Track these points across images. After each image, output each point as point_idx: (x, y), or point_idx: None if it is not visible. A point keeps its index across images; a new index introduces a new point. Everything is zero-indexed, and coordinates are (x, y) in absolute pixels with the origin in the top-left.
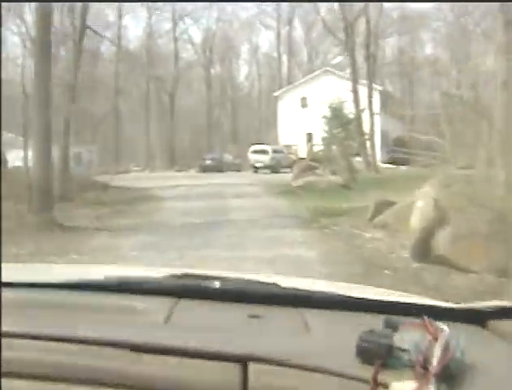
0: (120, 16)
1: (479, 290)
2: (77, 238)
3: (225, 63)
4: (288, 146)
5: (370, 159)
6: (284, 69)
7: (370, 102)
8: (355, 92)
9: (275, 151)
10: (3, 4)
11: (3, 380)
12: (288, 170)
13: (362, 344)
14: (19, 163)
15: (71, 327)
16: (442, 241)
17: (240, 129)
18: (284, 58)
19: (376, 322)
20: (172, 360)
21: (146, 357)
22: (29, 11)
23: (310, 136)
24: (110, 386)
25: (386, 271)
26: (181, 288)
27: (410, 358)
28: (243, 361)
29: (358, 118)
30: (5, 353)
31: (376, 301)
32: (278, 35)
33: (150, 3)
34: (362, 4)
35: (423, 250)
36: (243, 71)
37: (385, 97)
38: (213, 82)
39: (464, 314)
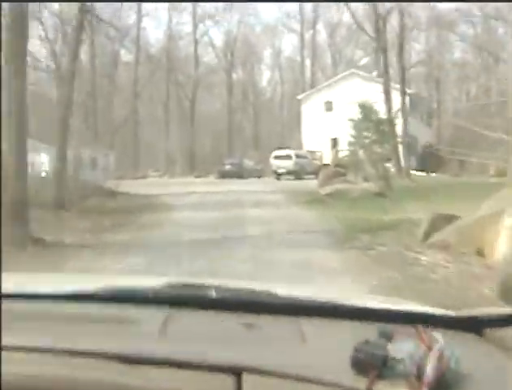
0: (140, 18)
1: None
2: (51, 257)
3: (247, 67)
4: (311, 152)
5: (402, 165)
6: (308, 73)
7: (403, 104)
8: (387, 92)
9: (298, 156)
10: None
11: None
12: (312, 176)
13: (356, 355)
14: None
15: (66, 339)
16: None
17: (261, 135)
18: (308, 62)
19: (372, 330)
20: (166, 371)
21: (139, 369)
22: (49, 16)
23: (334, 142)
24: None
25: None
26: (176, 297)
27: (404, 368)
28: (237, 372)
29: (391, 120)
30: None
31: (372, 309)
32: (301, 38)
33: (170, 5)
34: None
35: None
36: (265, 76)
37: (415, 101)
38: (234, 87)
39: (460, 321)
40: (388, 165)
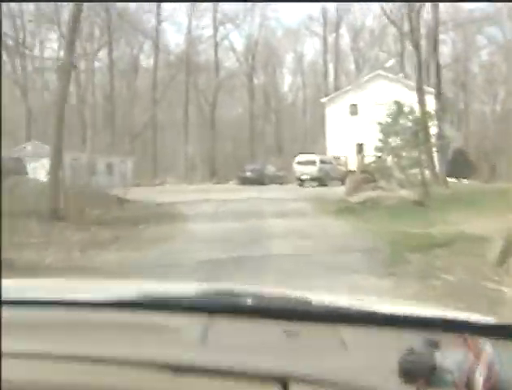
0: (159, 22)
1: None
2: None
3: (268, 72)
4: (336, 157)
5: (437, 171)
6: (331, 78)
7: (438, 105)
8: (420, 91)
9: (323, 162)
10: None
11: None
12: (337, 183)
13: (404, 364)
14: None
15: (105, 347)
16: None
17: (283, 140)
18: (330, 66)
19: (415, 338)
20: (209, 380)
21: (182, 378)
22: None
23: (360, 147)
24: None
25: None
26: (213, 304)
27: (453, 378)
28: (283, 380)
29: (425, 122)
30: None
31: (414, 316)
32: (324, 41)
33: (190, 8)
34: None
35: None
36: (287, 81)
37: (444, 104)
38: (256, 91)
39: (505, 329)
40: (415, 171)
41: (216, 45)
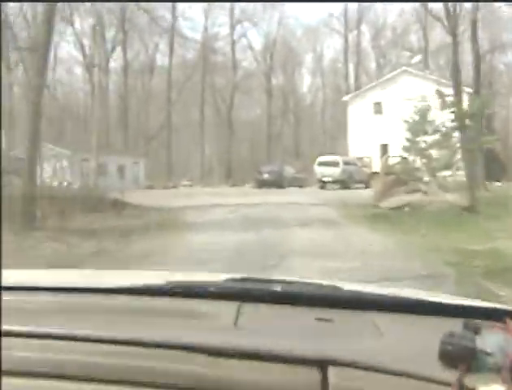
0: (175, 19)
1: None
2: None
3: (287, 71)
4: (359, 158)
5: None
6: (351, 78)
7: (475, 102)
8: (457, 86)
9: (346, 163)
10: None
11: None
12: (361, 185)
13: (445, 347)
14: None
15: (141, 331)
16: None
17: (302, 142)
18: (351, 67)
19: (451, 325)
20: (249, 363)
21: (223, 361)
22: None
23: (384, 147)
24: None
25: None
26: (243, 291)
27: (495, 362)
28: (322, 364)
29: (462, 120)
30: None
31: (447, 304)
32: (345, 39)
33: (206, 4)
34: None
35: None
36: (306, 81)
37: (482, 101)
38: (274, 92)
39: None
40: (445, 173)
41: (233, 43)
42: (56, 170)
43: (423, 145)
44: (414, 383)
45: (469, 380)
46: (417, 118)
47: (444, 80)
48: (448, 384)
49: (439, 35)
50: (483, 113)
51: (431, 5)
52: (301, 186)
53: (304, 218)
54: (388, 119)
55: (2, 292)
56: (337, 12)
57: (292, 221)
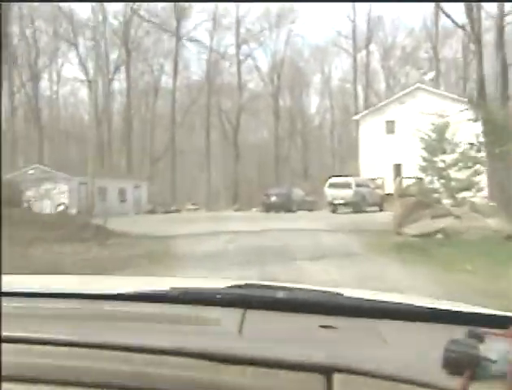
0: (178, 39)
1: None
2: None
3: (294, 93)
4: (371, 180)
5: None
6: (360, 99)
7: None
8: (482, 95)
9: (358, 185)
10: None
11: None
12: (374, 208)
13: (449, 354)
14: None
15: (146, 338)
16: None
17: (311, 165)
18: (359, 88)
19: (455, 333)
20: (253, 370)
21: (225, 367)
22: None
23: (397, 168)
24: None
25: None
26: (246, 298)
27: (497, 369)
28: (327, 371)
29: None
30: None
31: (451, 312)
32: (354, 58)
33: (211, 24)
34: None
35: None
36: (314, 102)
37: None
38: (281, 113)
39: None
40: (465, 194)
41: (239, 63)
42: (50, 193)
43: (440, 165)
44: None
45: (473, 388)
46: (434, 136)
47: (459, 97)
48: None
49: (450, 53)
50: None
51: (449, 12)
52: (310, 209)
53: (317, 249)
54: (401, 138)
55: None
56: (345, 31)
57: (302, 253)
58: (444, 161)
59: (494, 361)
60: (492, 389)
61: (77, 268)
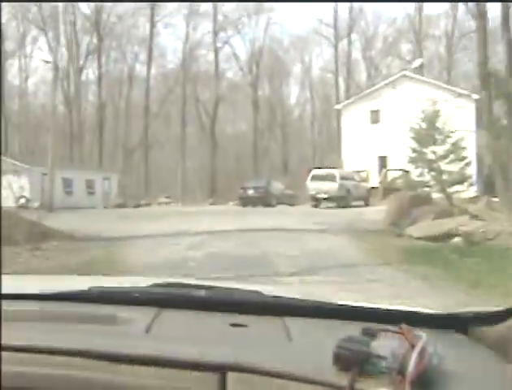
0: (153, 25)
1: None
2: None
3: (274, 83)
4: (356, 173)
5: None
6: (341, 91)
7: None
8: (485, 81)
9: (343, 177)
10: None
11: None
12: (359, 203)
13: (339, 351)
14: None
15: (54, 339)
16: None
17: (290, 157)
18: (340, 79)
19: (356, 329)
20: (151, 369)
21: (125, 367)
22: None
23: (383, 160)
24: None
25: None
26: (165, 297)
27: (387, 365)
28: (222, 370)
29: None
30: None
31: (357, 307)
32: (335, 48)
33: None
34: None
35: None
36: (294, 93)
37: (480, 110)
38: (260, 104)
39: (445, 320)
40: (458, 188)
41: (216, 50)
42: (11, 186)
43: (431, 156)
44: (310, 387)
45: (361, 384)
46: (424, 125)
47: (446, 86)
48: (342, 388)
49: (432, 44)
50: None
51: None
52: (291, 204)
53: (304, 258)
54: (386, 129)
55: None
56: (327, 19)
57: (287, 265)
58: (434, 152)
59: (383, 358)
60: (379, 385)
61: None
